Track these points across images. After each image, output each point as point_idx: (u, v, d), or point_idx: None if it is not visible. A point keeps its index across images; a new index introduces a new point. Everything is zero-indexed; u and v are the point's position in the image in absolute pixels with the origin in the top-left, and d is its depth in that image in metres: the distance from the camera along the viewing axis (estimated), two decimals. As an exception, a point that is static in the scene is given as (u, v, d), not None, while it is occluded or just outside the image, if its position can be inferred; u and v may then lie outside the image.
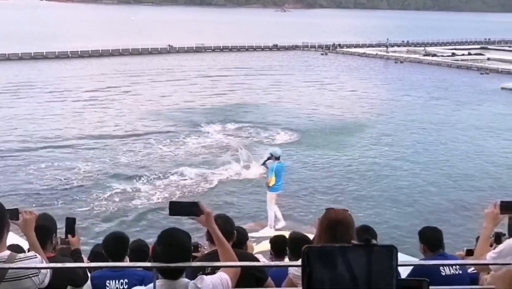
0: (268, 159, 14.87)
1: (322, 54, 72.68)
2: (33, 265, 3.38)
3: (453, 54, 70.63)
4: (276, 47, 77.04)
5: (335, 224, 3.58)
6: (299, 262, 4.06)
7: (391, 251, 1.94)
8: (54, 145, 26.71)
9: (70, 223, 4.62)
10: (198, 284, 3.45)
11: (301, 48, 77.70)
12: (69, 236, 4.64)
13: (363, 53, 72.79)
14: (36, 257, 3.45)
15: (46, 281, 3.48)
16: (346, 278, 1.90)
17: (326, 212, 3.73)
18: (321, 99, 40.40)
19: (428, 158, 25.66)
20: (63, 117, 32.54)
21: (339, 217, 3.64)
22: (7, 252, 3.39)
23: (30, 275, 3.37)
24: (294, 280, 4.08)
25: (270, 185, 14.57)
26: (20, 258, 3.39)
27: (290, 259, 5.66)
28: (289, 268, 4.16)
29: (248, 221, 15.75)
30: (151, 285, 3.43)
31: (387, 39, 76.99)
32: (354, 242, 1.95)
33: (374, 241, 1.93)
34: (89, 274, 5.05)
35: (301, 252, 1.93)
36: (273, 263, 5.56)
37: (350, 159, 25.08)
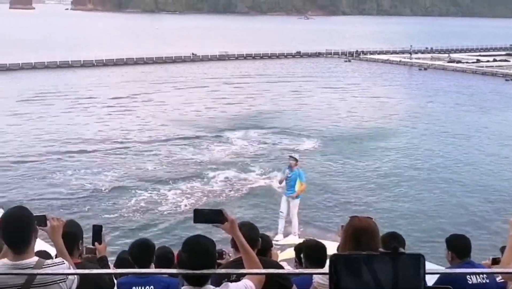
0: (289, 167, 14.57)
1: (345, 61, 72.51)
2: (60, 271, 3.42)
3: (478, 61, 70.02)
4: (299, 55, 77.07)
5: (359, 232, 3.57)
6: (323, 269, 4.06)
7: (418, 260, 1.93)
8: (80, 150, 27.08)
9: (97, 231, 4.65)
10: None
11: (324, 56, 77.58)
12: (96, 243, 4.67)
13: (387, 60, 72.47)
14: (64, 263, 3.49)
15: (74, 287, 3.51)
16: (373, 287, 1.89)
17: (351, 220, 3.72)
18: (344, 106, 40.26)
19: (451, 166, 25.39)
20: (88, 125, 32.90)
21: (363, 224, 3.63)
22: (35, 258, 3.42)
23: (58, 281, 3.40)
24: (319, 289, 4.05)
25: (304, 190, 14.53)
26: (48, 264, 3.43)
27: (306, 267, 5.64)
28: (314, 276, 4.14)
29: (272, 229, 15.68)
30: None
31: (411, 46, 76.60)
32: (382, 250, 1.94)
33: (401, 249, 1.92)
34: (115, 281, 5.09)
35: (329, 260, 1.93)
36: (298, 271, 5.54)
37: (374, 166, 24.92)
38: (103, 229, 4.87)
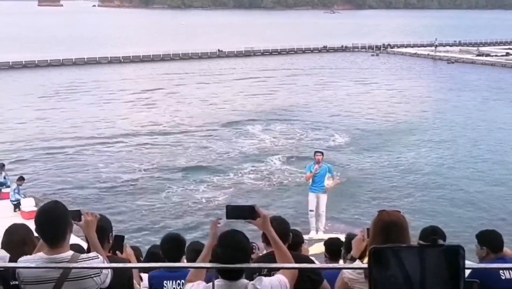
0: (315, 163, 14.39)
1: (372, 55, 71.98)
2: (95, 265, 3.46)
3: (508, 54, 68.82)
4: (325, 49, 76.67)
5: (389, 226, 3.54)
6: (356, 264, 4.03)
7: (457, 251, 1.92)
8: (110, 143, 27.66)
9: (119, 241, 4.65)
10: (257, 285, 3.46)
11: (351, 50, 77.08)
12: (118, 252, 4.69)
13: (415, 53, 71.74)
14: (98, 258, 3.53)
15: (107, 281, 3.54)
16: (413, 279, 1.89)
17: (379, 214, 3.68)
18: (372, 100, 40.03)
19: (480, 160, 25.11)
20: (117, 118, 33.42)
21: (392, 218, 3.59)
22: (70, 252, 3.47)
23: (92, 275, 3.44)
24: (350, 284, 4.02)
25: (333, 186, 14.45)
26: (83, 258, 3.47)
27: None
28: (343, 271, 4.11)
29: (301, 224, 15.67)
30: (210, 284, 3.46)
31: (436, 39, 75.62)
32: (421, 242, 1.94)
33: (440, 241, 1.91)
34: (143, 275, 5.12)
35: (368, 252, 1.92)
36: (331, 265, 5.52)
37: (403, 160, 24.75)
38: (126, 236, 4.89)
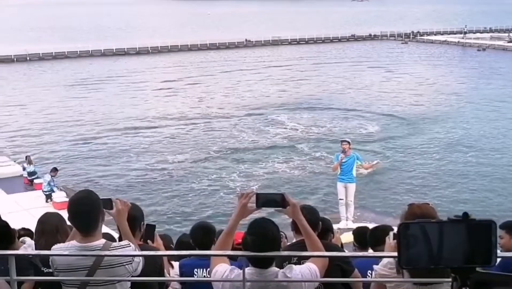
0: (342, 152, 14.22)
1: (402, 43, 71.19)
2: (127, 253, 3.49)
3: (542, 41, 67.36)
4: (353, 38, 76.02)
5: (420, 218, 3.49)
6: (391, 253, 3.98)
7: (490, 226, 1.89)
8: (142, 132, 28.12)
9: (150, 230, 4.67)
10: (287, 273, 3.47)
11: (379, 38, 76.29)
12: (149, 241, 4.72)
13: (444, 41, 70.74)
14: (130, 246, 3.56)
15: (139, 269, 3.58)
16: (444, 253, 1.86)
17: (410, 207, 3.63)
18: (401, 88, 39.71)
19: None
20: (148, 107, 33.94)
21: (423, 211, 3.54)
22: (103, 241, 3.51)
23: (124, 263, 3.48)
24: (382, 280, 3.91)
25: (354, 174, 14.33)
26: (115, 246, 3.51)
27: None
28: (375, 268, 4.04)
29: (330, 212, 15.66)
30: (240, 272, 3.47)
31: (465, 26, 74.43)
32: (452, 217, 1.91)
33: (472, 216, 1.89)
34: (174, 263, 5.14)
35: (397, 228, 1.90)
36: (360, 253, 5.48)
37: (434, 149, 24.43)
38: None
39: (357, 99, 35.92)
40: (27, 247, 4.97)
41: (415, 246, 1.89)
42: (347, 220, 14.38)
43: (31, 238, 6.15)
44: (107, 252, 3.42)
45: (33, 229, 6.70)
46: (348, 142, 14.19)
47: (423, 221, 1.97)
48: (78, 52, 59.91)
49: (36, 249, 4.35)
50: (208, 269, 5.00)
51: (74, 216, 3.49)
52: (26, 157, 21.21)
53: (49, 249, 3.60)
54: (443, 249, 1.87)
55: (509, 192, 19.50)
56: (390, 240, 3.83)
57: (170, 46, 65.32)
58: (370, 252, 5.80)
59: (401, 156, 23.62)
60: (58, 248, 3.52)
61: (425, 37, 74.74)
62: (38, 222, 4.55)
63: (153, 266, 4.06)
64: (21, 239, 5.18)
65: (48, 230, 4.35)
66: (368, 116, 30.62)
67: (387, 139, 26.07)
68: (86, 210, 3.46)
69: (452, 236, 1.87)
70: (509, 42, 67.07)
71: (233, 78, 45.71)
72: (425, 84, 41.52)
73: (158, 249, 4.54)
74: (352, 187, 14.28)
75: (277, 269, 3.49)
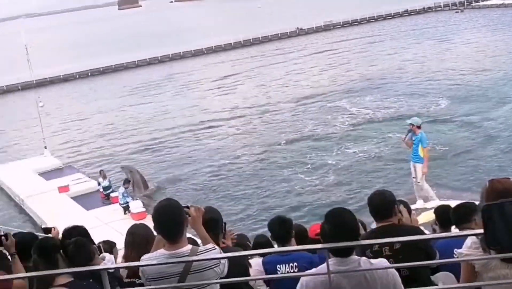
0: (409, 132, 14.10)
1: (457, 11, 69.07)
2: (213, 256, 3.59)
3: None
4: (406, 13, 74.27)
5: (504, 194, 3.40)
6: (475, 231, 3.92)
7: None
8: (212, 128, 28.80)
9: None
10: (371, 260, 3.51)
11: (433, 9, 74.22)
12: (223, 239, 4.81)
13: (501, 4, 68.12)
14: (215, 249, 3.66)
15: (226, 270, 3.67)
16: None
17: (491, 183, 3.55)
18: (462, 59, 38.48)
19: None
20: (208, 106, 34.44)
21: (506, 186, 3.44)
22: (189, 246, 3.62)
23: (213, 266, 3.58)
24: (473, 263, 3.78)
25: (422, 155, 14.05)
26: (202, 251, 3.61)
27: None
28: (460, 251, 3.92)
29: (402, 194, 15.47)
30: (324, 265, 3.51)
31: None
32: None
33: None
34: (252, 261, 5.22)
35: (481, 210, 1.90)
36: (444, 235, 5.39)
37: (507, 120, 23.42)
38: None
39: (418, 75, 35.12)
40: (107, 262, 5.17)
41: (500, 226, 1.89)
42: (424, 200, 14.16)
43: (112, 250, 6.41)
44: (195, 257, 3.53)
45: (116, 241, 6.99)
46: (411, 124, 14.04)
47: (506, 200, 1.96)
48: (136, 62, 61.27)
49: (127, 260, 4.52)
50: (291, 264, 5.09)
51: (161, 225, 3.62)
52: (100, 171, 21.81)
53: (139, 260, 3.74)
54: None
55: None
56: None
57: (224, 44, 65.84)
58: (454, 231, 5.71)
59: (475, 130, 22.78)
60: (147, 258, 3.65)
61: (481, 3, 72.26)
62: (127, 233, 4.71)
63: (239, 266, 4.16)
64: (100, 255, 5.35)
65: (138, 241, 4.51)
66: (434, 92, 29.76)
67: (460, 116, 25.03)
68: (171, 218, 3.58)
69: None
70: None
71: (288, 67, 45.83)
72: (486, 51, 40.07)
73: (240, 249, 4.64)
74: (417, 167, 14.09)
75: (357, 257, 3.52)
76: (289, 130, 26.57)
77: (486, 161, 19.25)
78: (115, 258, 6.37)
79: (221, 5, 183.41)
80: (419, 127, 13.99)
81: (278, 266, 5.08)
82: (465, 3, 72.80)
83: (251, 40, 67.28)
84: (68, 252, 4.23)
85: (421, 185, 14.24)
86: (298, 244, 5.49)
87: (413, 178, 14.36)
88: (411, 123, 14.11)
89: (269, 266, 5.09)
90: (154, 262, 3.59)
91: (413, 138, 13.84)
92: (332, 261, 3.52)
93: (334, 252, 3.53)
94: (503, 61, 35.52)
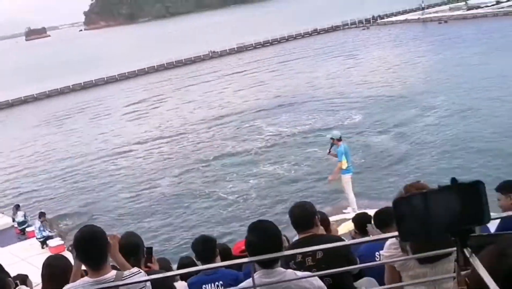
0: (332, 145, 14.65)
1: (363, 29, 71.59)
2: (140, 279, 3.55)
3: (498, 2, 68.18)
4: (316, 32, 76.12)
5: None
6: (385, 235, 4.09)
7: (477, 186, 1.91)
8: (121, 158, 27.71)
9: (148, 253, 4.72)
10: (296, 272, 3.59)
11: (342, 28, 76.53)
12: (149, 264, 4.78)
13: (405, 19, 71.26)
14: (140, 272, 3.62)
15: (150, 293, 3.64)
16: (436, 220, 1.92)
17: (405, 188, 3.71)
18: (368, 73, 39.79)
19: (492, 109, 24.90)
20: (122, 132, 33.73)
21: (419, 187, 3.59)
22: (114, 272, 3.56)
23: None
24: (393, 264, 3.94)
25: (344, 167, 14.43)
26: (127, 275, 3.56)
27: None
28: (381, 253, 4.11)
29: (326, 206, 15.79)
30: (250, 280, 3.55)
31: (422, 1, 75.11)
32: (440, 184, 1.96)
33: (460, 179, 1.94)
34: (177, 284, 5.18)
35: (392, 204, 1.96)
36: (365, 239, 5.56)
37: (417, 128, 24.43)
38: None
39: (329, 91, 36.00)
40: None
41: (409, 220, 1.95)
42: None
43: (26, 282, 6.19)
44: (120, 282, 3.47)
45: (34, 275, 6.74)
46: (331, 138, 14.59)
47: (414, 193, 2.03)
48: (47, 92, 59.74)
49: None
50: (216, 283, 5.10)
51: (83, 252, 3.54)
52: (14, 206, 21.06)
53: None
54: (436, 216, 1.93)
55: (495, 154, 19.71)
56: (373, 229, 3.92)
57: (138, 70, 65.33)
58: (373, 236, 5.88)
59: (388, 140, 23.54)
60: (71, 287, 3.56)
61: (385, 19, 75.24)
62: (44, 266, 4.55)
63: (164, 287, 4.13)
64: (17, 288, 5.17)
65: (57, 273, 4.38)
66: (346, 106, 30.56)
67: (372, 126, 25.91)
68: (95, 244, 3.51)
69: (443, 202, 1.92)
70: (467, 10, 67.78)
71: (202, 89, 46.07)
72: (395, 67, 41.64)
73: (165, 272, 4.61)
74: (342, 178, 14.56)
75: (282, 269, 3.58)
76: (207, 151, 26.61)
77: (407, 168, 19.88)
78: (31, 289, 6.19)
79: (132, 31, 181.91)
80: (339, 140, 14.42)
81: (204, 286, 5.08)
82: (371, 21, 75.54)
83: (165, 65, 67.06)
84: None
85: (347, 195, 14.64)
86: (223, 262, 5.50)
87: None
88: (331, 138, 14.59)
89: (195, 286, 5.08)
90: (79, 291, 3.50)
91: (336, 151, 14.32)
92: (258, 274, 3.56)
93: (260, 263, 3.59)
94: (409, 74, 37.06)
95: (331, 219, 13.00)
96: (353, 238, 6.51)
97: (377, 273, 4.60)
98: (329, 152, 14.74)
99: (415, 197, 1.93)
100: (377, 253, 4.95)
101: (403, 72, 37.99)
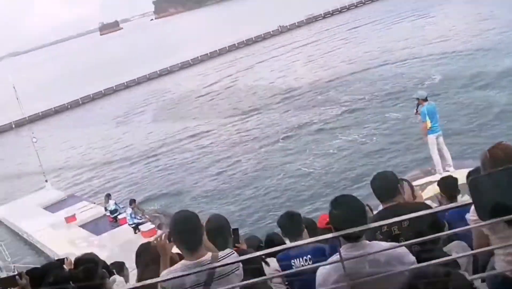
0: (418, 105, 14.31)
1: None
2: (235, 260, 3.63)
3: None
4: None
5: (506, 161, 3.22)
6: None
7: None
8: (195, 140, 28.31)
9: (235, 234, 4.81)
10: (382, 244, 3.58)
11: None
12: (237, 244, 4.88)
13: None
14: (234, 253, 3.70)
15: (242, 272, 3.71)
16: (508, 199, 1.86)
17: (490, 151, 3.42)
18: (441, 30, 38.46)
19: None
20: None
21: (507, 152, 3.29)
22: (209, 254, 3.64)
23: (235, 271, 3.63)
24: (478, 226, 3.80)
25: (428, 128, 14.08)
26: (222, 257, 3.64)
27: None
28: (467, 217, 3.94)
29: (411, 170, 15.52)
30: (337, 254, 3.57)
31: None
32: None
33: None
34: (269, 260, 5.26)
35: (468, 183, 1.92)
36: (449, 206, 5.44)
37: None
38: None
39: (402, 53, 35.15)
40: (119, 283, 5.20)
41: (491, 195, 1.89)
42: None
43: (123, 270, 6.45)
44: (217, 263, 3.55)
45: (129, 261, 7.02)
46: (417, 99, 14.27)
47: (493, 171, 1.97)
48: (125, 84, 61.64)
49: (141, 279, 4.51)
50: (305, 257, 5.13)
51: (182, 236, 3.64)
52: (106, 195, 21.79)
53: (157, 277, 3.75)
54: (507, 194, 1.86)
55: None
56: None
57: (210, 53, 66.14)
58: (461, 200, 5.74)
59: (474, 98, 22.65)
60: (170, 272, 3.64)
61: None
62: (137, 254, 4.71)
63: (253, 267, 4.22)
64: (111, 278, 5.33)
65: (151, 258, 4.44)
66: (425, 65, 29.73)
67: (455, 85, 25.00)
68: (192, 227, 3.62)
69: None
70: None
71: (271, 66, 46.29)
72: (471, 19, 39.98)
73: (253, 251, 4.70)
74: (428, 139, 14.22)
75: (367, 242, 3.57)
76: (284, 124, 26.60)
77: (481, 126, 19.23)
78: (127, 277, 6.46)
79: (201, 14, 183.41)
80: (424, 100, 14.09)
81: (293, 260, 5.12)
82: None
83: (236, 45, 67.55)
84: (77, 280, 4.31)
85: (432, 156, 14.27)
86: (310, 236, 5.54)
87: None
88: (416, 98, 14.31)
89: (284, 261, 5.15)
90: (180, 274, 3.55)
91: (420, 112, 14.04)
92: (344, 248, 3.57)
93: (346, 237, 3.60)
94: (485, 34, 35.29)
95: (416, 183, 12.89)
96: (440, 202, 6.37)
97: (468, 236, 4.48)
98: (416, 111, 14.35)
99: (496, 174, 1.87)
100: (466, 215, 4.83)
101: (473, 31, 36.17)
